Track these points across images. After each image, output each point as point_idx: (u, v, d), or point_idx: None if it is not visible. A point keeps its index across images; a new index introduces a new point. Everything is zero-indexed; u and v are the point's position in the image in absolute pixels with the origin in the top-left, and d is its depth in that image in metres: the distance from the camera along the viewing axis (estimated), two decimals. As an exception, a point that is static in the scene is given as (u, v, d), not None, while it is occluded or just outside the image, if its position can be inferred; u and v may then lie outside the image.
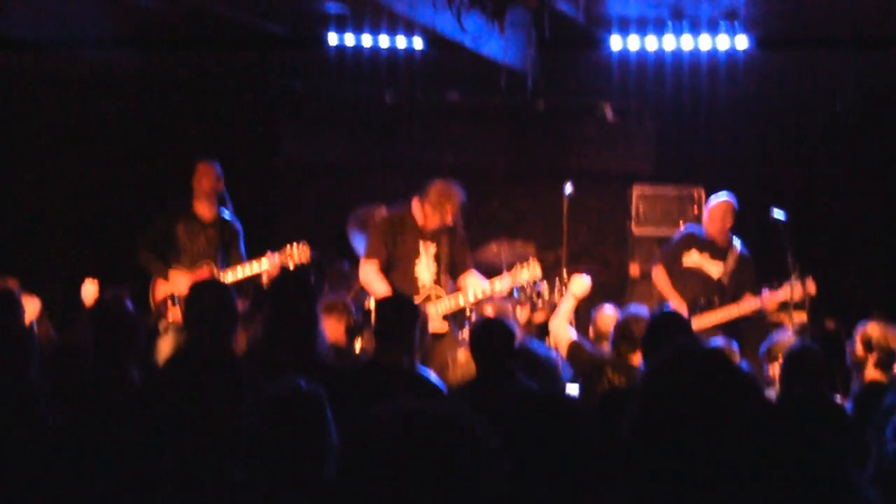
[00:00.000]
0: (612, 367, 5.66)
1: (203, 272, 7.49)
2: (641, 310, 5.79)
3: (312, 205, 10.55)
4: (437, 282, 7.28)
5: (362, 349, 6.84)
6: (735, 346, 6.77)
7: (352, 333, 6.45)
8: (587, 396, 5.42)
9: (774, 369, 6.05)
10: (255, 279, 7.55)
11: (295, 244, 7.50)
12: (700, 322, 7.76)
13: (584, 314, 7.74)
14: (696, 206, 9.44)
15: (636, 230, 9.64)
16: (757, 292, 7.95)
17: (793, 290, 7.66)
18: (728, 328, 7.78)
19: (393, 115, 10.41)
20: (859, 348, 5.65)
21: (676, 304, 7.94)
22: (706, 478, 2.06)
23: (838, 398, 5.36)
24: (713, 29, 8.26)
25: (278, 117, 10.62)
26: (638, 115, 10.15)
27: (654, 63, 8.72)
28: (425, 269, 7.27)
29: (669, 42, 8.42)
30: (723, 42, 8.26)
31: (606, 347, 6.14)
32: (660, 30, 8.43)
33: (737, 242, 8.22)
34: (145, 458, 3.28)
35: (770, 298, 7.86)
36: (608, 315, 7.14)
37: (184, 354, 5.04)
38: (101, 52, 9.13)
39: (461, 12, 6.27)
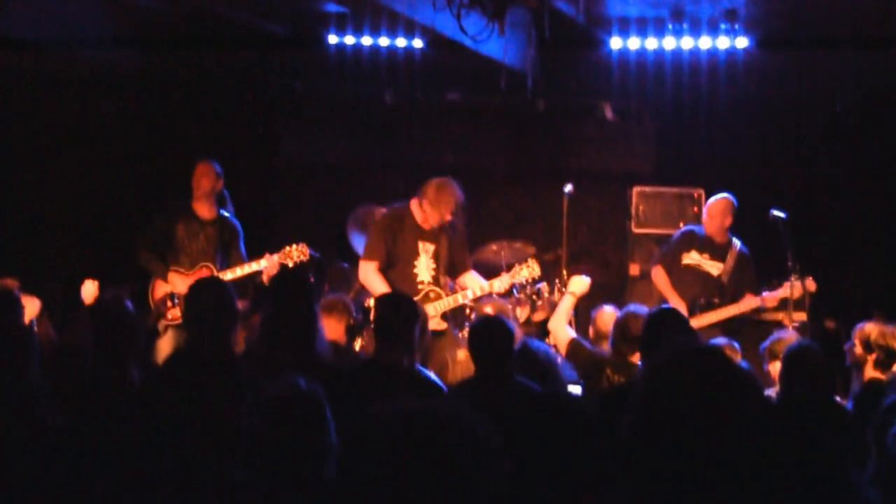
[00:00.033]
0: (612, 366, 5.66)
1: (202, 272, 7.49)
2: (641, 309, 5.79)
3: (312, 205, 10.55)
4: (436, 281, 7.27)
5: (362, 348, 6.84)
6: (737, 346, 6.77)
7: (352, 333, 6.44)
8: (588, 396, 5.43)
9: (774, 367, 6.05)
10: (254, 279, 7.55)
11: (294, 244, 7.50)
12: (700, 321, 7.76)
13: (584, 314, 7.74)
14: (696, 206, 9.44)
15: (636, 230, 9.64)
16: (757, 291, 7.95)
17: (793, 288, 7.67)
18: (727, 328, 7.79)
19: (393, 115, 10.41)
20: (858, 348, 5.65)
21: (676, 303, 7.94)
22: (706, 478, 2.06)
23: (838, 398, 5.36)
24: (713, 29, 8.26)
25: (278, 117, 10.63)
26: (638, 115, 10.16)
27: (654, 63, 8.73)
28: (424, 268, 7.27)
29: (669, 42, 8.42)
30: (723, 42, 8.26)
31: (606, 347, 6.13)
32: (660, 30, 8.43)
33: (736, 242, 8.22)
34: (145, 458, 3.28)
35: (770, 297, 7.86)
36: (608, 315, 7.13)
37: (183, 354, 5.04)
38: (101, 52, 9.13)
39: (461, 12, 6.26)
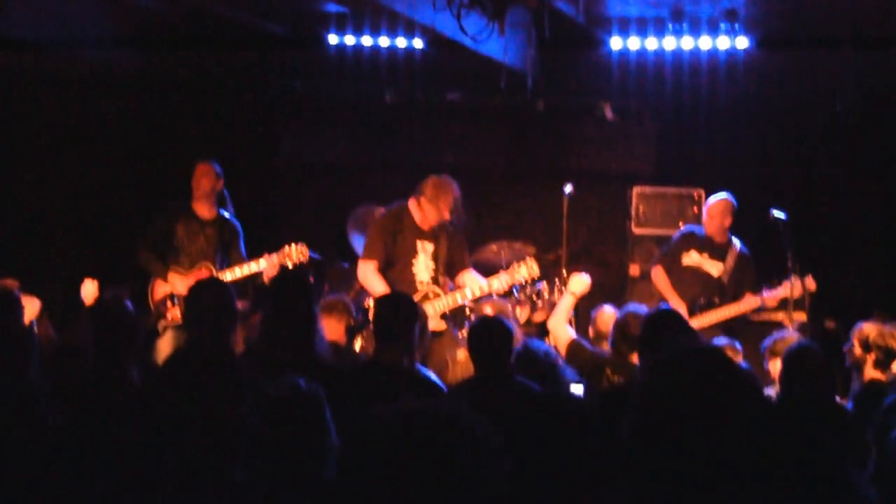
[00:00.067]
0: (612, 366, 5.66)
1: (202, 272, 7.49)
2: (641, 309, 5.78)
3: (312, 205, 10.55)
4: (436, 280, 7.27)
5: (362, 349, 6.84)
6: (738, 346, 6.77)
7: (352, 333, 6.45)
8: (588, 396, 5.42)
9: (775, 366, 6.06)
10: (254, 279, 7.55)
11: (294, 244, 7.49)
12: (700, 321, 7.76)
13: (583, 314, 7.74)
14: (696, 207, 9.44)
15: (636, 230, 9.65)
16: (757, 291, 7.95)
17: (793, 287, 7.67)
18: (727, 328, 7.79)
19: (393, 115, 10.41)
20: (857, 349, 5.65)
21: (676, 303, 7.94)
22: (706, 478, 2.06)
23: (838, 398, 5.36)
24: (713, 29, 8.26)
25: (278, 117, 10.63)
26: (638, 115, 10.16)
27: (654, 63, 8.73)
28: (423, 267, 7.27)
29: (669, 42, 8.42)
30: (723, 42, 8.26)
31: (606, 347, 6.13)
32: (660, 30, 8.43)
33: (736, 241, 8.22)
34: (145, 458, 3.28)
35: (770, 297, 7.86)
36: (608, 315, 7.13)
37: (183, 354, 5.04)
38: (101, 52, 9.13)
39: (461, 12, 6.26)
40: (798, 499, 3.12)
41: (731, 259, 8.16)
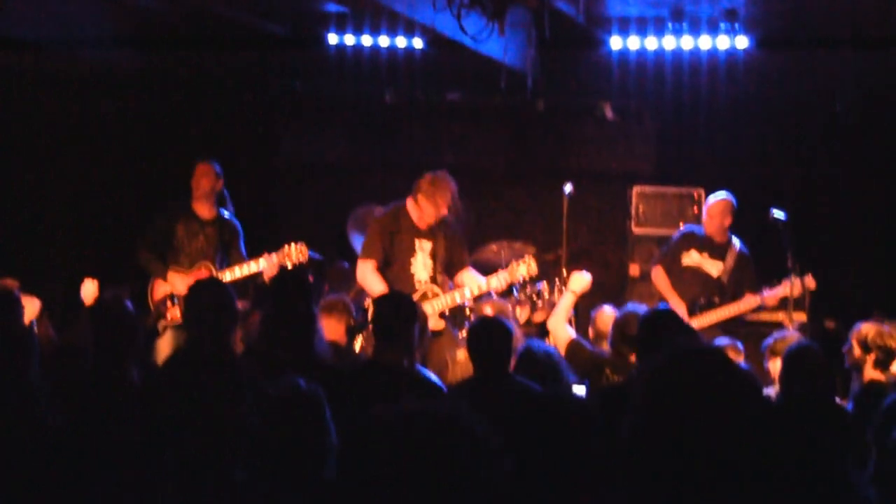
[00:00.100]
0: (612, 366, 5.65)
1: (202, 272, 7.49)
2: (640, 308, 5.78)
3: (312, 205, 10.55)
4: (434, 279, 7.28)
5: (362, 349, 6.84)
6: (740, 346, 6.77)
7: (352, 333, 6.44)
8: (590, 396, 5.42)
9: (774, 365, 6.06)
10: (254, 278, 7.55)
11: (293, 244, 7.50)
12: (700, 321, 7.77)
13: (583, 314, 7.74)
14: (696, 206, 9.44)
15: (636, 230, 9.64)
16: (757, 291, 7.95)
17: (792, 286, 7.67)
18: (727, 328, 7.79)
19: (393, 115, 10.41)
20: (857, 349, 5.65)
21: (676, 303, 7.94)
22: (706, 478, 2.06)
23: (838, 399, 5.36)
24: (713, 29, 8.26)
25: (278, 117, 10.63)
26: (638, 115, 10.16)
27: (654, 63, 8.73)
28: (421, 266, 7.27)
29: (669, 42, 8.42)
30: (723, 42, 8.26)
31: (606, 347, 6.13)
32: (660, 30, 8.43)
33: (736, 241, 8.22)
34: (145, 458, 3.28)
35: (770, 296, 7.86)
36: (608, 315, 7.12)
37: (183, 354, 5.04)
38: (101, 52, 9.13)
39: (461, 12, 6.26)
40: (798, 499, 3.12)
41: (730, 259, 8.16)
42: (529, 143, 10.41)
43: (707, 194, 8.71)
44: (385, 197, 7.63)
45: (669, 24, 8.34)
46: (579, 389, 5.46)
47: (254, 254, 7.64)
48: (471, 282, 7.26)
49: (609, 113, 10.16)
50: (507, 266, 7.38)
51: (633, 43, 8.53)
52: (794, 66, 9.23)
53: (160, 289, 7.59)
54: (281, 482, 3.24)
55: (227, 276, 7.41)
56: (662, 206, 9.63)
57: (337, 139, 10.61)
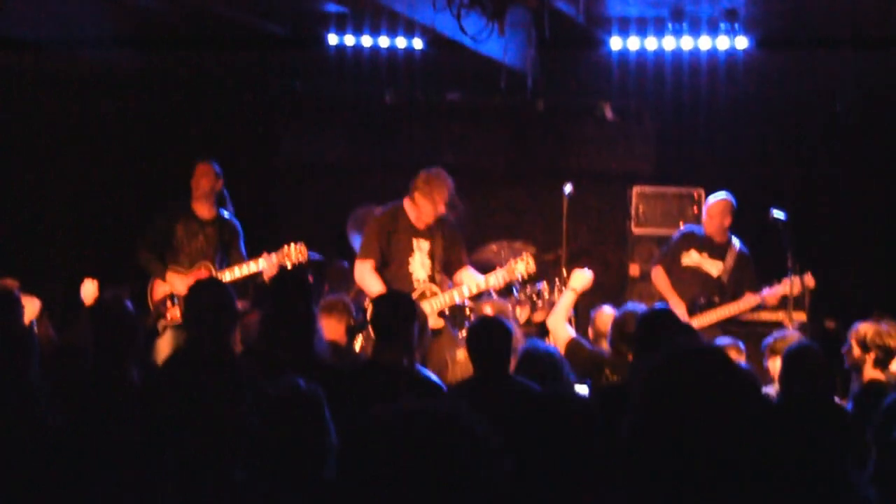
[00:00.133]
0: (611, 366, 5.65)
1: (201, 272, 7.49)
2: (639, 308, 5.77)
3: (312, 205, 10.55)
4: (433, 279, 7.28)
5: (362, 348, 6.84)
6: (742, 346, 6.76)
7: (352, 333, 6.44)
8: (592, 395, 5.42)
9: (774, 364, 6.06)
10: (254, 279, 7.55)
11: (293, 244, 7.50)
12: (700, 321, 7.77)
13: (583, 314, 7.74)
14: (696, 206, 9.44)
15: (636, 230, 9.64)
16: (757, 290, 7.96)
17: (792, 285, 7.67)
18: (727, 328, 7.79)
19: (393, 115, 10.41)
20: (856, 349, 5.65)
21: (676, 303, 7.95)
22: (706, 478, 2.06)
23: (837, 399, 5.35)
24: (713, 29, 8.26)
25: (278, 117, 10.63)
26: (638, 115, 10.16)
27: (654, 63, 8.73)
28: (419, 266, 7.27)
29: (669, 42, 8.42)
30: (723, 42, 8.26)
31: (605, 347, 6.13)
32: (660, 30, 8.43)
33: (736, 241, 8.22)
34: (145, 458, 3.28)
35: (770, 295, 7.87)
36: (607, 315, 7.12)
37: (183, 354, 5.04)
38: (101, 52, 9.14)
39: (461, 12, 6.26)
40: (798, 499, 3.12)
41: (730, 258, 8.16)
42: (529, 143, 10.41)
43: (707, 194, 8.71)
44: (385, 197, 7.64)
45: (669, 25, 8.34)
46: (581, 389, 5.45)
47: (254, 254, 7.64)
48: (469, 280, 7.26)
49: (609, 113, 10.16)
50: (503, 263, 7.39)
51: (633, 43, 8.53)
52: (794, 66, 9.23)
53: (160, 289, 7.60)
54: (281, 482, 3.24)
55: (227, 275, 7.41)
56: (662, 206, 9.63)
57: (337, 139, 10.61)
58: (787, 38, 8.67)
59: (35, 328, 6.25)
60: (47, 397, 3.94)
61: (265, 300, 5.36)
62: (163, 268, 7.59)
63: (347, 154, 10.58)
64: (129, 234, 7.93)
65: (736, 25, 8.15)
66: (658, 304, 6.24)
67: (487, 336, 4.93)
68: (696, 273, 8.17)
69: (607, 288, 8.86)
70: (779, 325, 7.74)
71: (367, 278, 7.12)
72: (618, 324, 5.67)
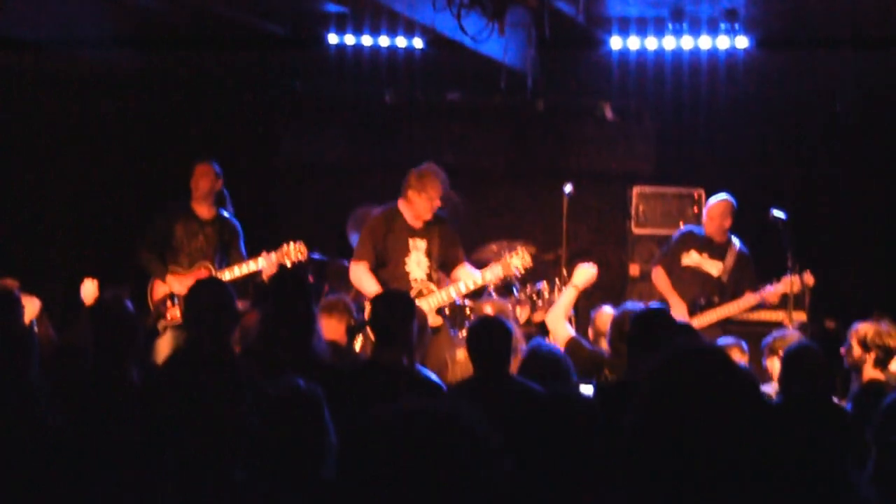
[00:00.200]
0: (611, 366, 5.65)
1: (201, 272, 7.50)
2: (638, 307, 5.77)
3: (312, 205, 10.55)
4: (430, 277, 7.29)
5: (362, 348, 6.84)
6: (745, 347, 6.75)
7: (352, 333, 6.44)
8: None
9: (773, 364, 6.06)
10: (253, 278, 7.55)
11: (292, 243, 7.50)
12: (701, 321, 7.77)
13: (583, 314, 7.75)
14: (696, 206, 9.45)
15: (636, 230, 9.65)
16: (756, 290, 7.96)
17: (792, 283, 7.68)
18: (728, 328, 7.79)
19: (393, 115, 10.41)
20: (857, 349, 5.64)
21: (676, 303, 7.95)
22: (706, 478, 2.06)
23: (836, 399, 5.35)
24: (713, 29, 8.26)
25: (278, 117, 10.63)
26: (638, 115, 10.16)
27: (654, 63, 8.73)
28: (416, 265, 7.28)
29: (669, 42, 8.42)
30: (723, 42, 8.26)
31: (605, 346, 6.12)
32: (660, 30, 8.43)
33: (735, 241, 8.23)
34: (145, 458, 3.28)
35: (770, 293, 7.87)
36: (607, 315, 7.11)
37: (183, 354, 5.04)
38: (101, 52, 9.13)
39: (461, 12, 6.26)
40: (798, 499, 3.12)
41: (730, 258, 8.16)
42: (529, 143, 10.41)
43: (707, 194, 8.71)
44: (385, 197, 7.64)
45: (669, 25, 8.34)
46: (586, 389, 5.44)
47: (254, 254, 7.64)
48: (465, 277, 7.28)
49: (609, 113, 10.16)
50: (499, 258, 7.40)
51: (633, 43, 8.53)
52: (794, 66, 9.23)
53: (160, 289, 7.60)
54: (280, 482, 3.24)
55: (227, 275, 7.41)
56: (662, 206, 9.63)
57: (337, 139, 10.61)
58: (787, 38, 8.67)
59: (35, 328, 6.25)
60: (47, 397, 3.94)
61: (264, 300, 5.35)
62: (163, 268, 7.59)
63: (347, 154, 10.58)
64: (129, 234, 7.93)
65: (736, 25, 8.15)
66: (653, 304, 6.23)
67: (487, 336, 4.92)
68: (697, 273, 8.17)
69: (607, 288, 8.85)
70: (779, 324, 7.74)
71: (363, 279, 7.14)
72: (616, 323, 5.66)
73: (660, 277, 8.24)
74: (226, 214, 7.85)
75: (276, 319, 5.05)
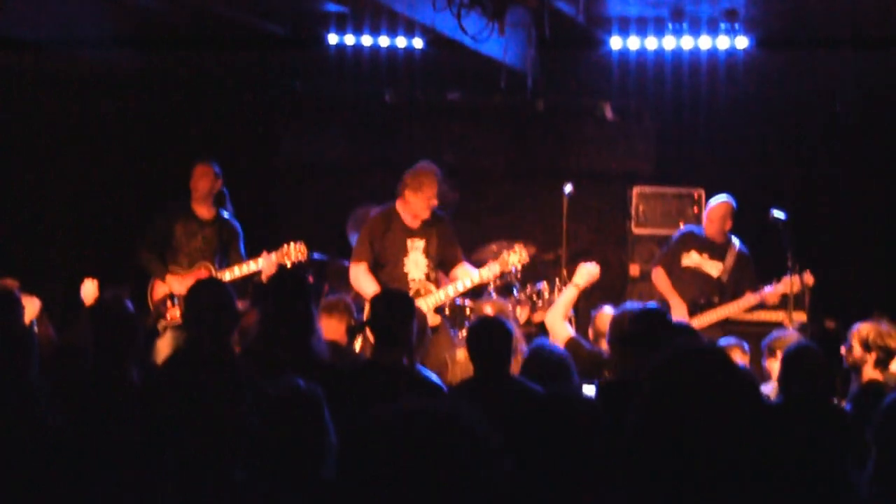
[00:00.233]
0: (610, 366, 5.65)
1: (201, 272, 7.50)
2: (637, 307, 5.76)
3: (312, 205, 10.55)
4: (429, 277, 7.31)
5: (362, 348, 6.84)
6: (746, 347, 6.75)
7: (352, 333, 6.44)
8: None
9: (772, 364, 6.05)
10: (253, 278, 7.56)
11: (293, 243, 7.51)
12: (700, 321, 7.77)
13: (583, 315, 7.74)
14: (696, 206, 9.45)
15: (636, 230, 9.65)
16: (756, 290, 7.96)
17: (792, 283, 7.68)
18: (727, 329, 7.79)
19: (393, 115, 10.41)
20: (858, 349, 5.64)
21: (676, 304, 7.95)
22: (706, 478, 2.06)
23: (835, 400, 5.35)
24: (713, 29, 8.26)
25: (278, 117, 10.63)
26: (638, 115, 10.16)
27: (654, 63, 8.73)
28: (414, 265, 7.30)
29: (669, 42, 8.42)
30: (723, 42, 8.26)
31: (605, 346, 6.12)
32: (660, 30, 8.43)
33: (735, 241, 8.23)
34: (145, 458, 3.28)
35: (770, 293, 7.87)
36: (607, 315, 7.10)
37: (183, 354, 5.04)
38: (101, 52, 9.13)
39: (461, 12, 6.26)
40: (798, 499, 3.12)
41: (730, 258, 8.17)
42: (529, 143, 10.41)
43: (707, 194, 8.71)
44: (385, 197, 7.65)
45: (669, 25, 8.34)
46: (589, 389, 5.43)
47: (254, 254, 7.65)
48: (464, 276, 7.30)
49: (609, 113, 10.16)
50: (496, 256, 7.41)
51: (633, 43, 8.53)
52: (794, 66, 9.23)
53: (160, 289, 7.60)
54: (280, 482, 3.24)
55: (227, 275, 7.41)
56: (662, 206, 9.63)
57: (337, 139, 10.61)
58: (787, 38, 8.67)
59: (35, 328, 6.25)
60: (47, 397, 3.94)
61: (264, 299, 5.35)
62: (163, 268, 7.60)
63: (347, 154, 10.58)
64: (129, 234, 7.93)
65: (736, 25, 8.15)
66: (650, 304, 6.23)
67: (487, 336, 4.92)
68: (696, 273, 8.17)
69: (607, 288, 8.85)
70: (779, 324, 7.74)
71: (362, 280, 7.16)
72: (616, 324, 5.65)
73: (660, 278, 8.24)
74: (225, 215, 7.85)
75: (275, 319, 5.05)
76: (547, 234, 9.55)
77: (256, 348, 5.10)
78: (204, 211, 7.69)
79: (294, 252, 7.46)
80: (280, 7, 8.25)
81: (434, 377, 5.06)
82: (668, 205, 9.61)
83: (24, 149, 10.05)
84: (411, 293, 7.04)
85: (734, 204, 8.18)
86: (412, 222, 7.29)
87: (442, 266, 7.42)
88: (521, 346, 5.94)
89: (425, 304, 7.10)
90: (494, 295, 7.86)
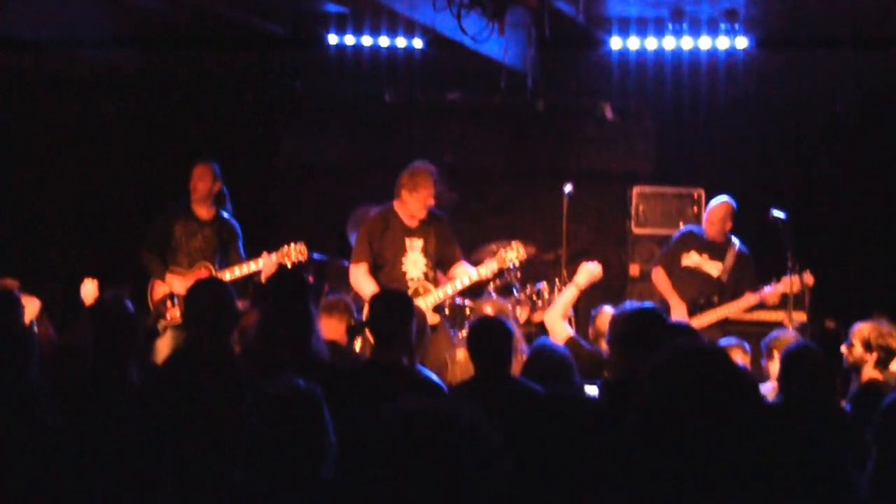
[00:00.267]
0: (610, 365, 5.64)
1: (201, 272, 7.50)
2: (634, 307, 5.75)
3: (312, 205, 10.55)
4: (427, 276, 7.32)
5: (362, 349, 6.84)
6: (747, 347, 6.75)
7: (352, 333, 6.44)
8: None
9: (771, 363, 6.05)
10: (253, 278, 7.56)
11: (293, 243, 7.51)
12: (700, 321, 7.77)
13: (583, 315, 7.74)
14: (696, 206, 9.45)
15: (636, 230, 9.65)
16: (756, 290, 7.96)
17: (791, 283, 7.68)
18: (727, 329, 7.79)
19: (393, 115, 10.42)
20: (859, 349, 5.64)
21: (676, 304, 7.96)
22: (706, 477, 2.06)
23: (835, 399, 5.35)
24: (713, 29, 8.26)
25: (278, 117, 10.63)
26: (638, 115, 10.16)
27: (654, 63, 8.73)
28: (413, 265, 7.31)
29: (669, 42, 8.42)
30: (723, 42, 8.26)
31: (605, 347, 6.12)
32: (660, 30, 8.43)
33: (735, 241, 8.23)
34: (145, 458, 3.28)
35: (770, 293, 7.87)
36: (607, 315, 7.09)
37: (183, 354, 5.04)
38: (101, 52, 9.13)
39: (461, 12, 6.26)
40: (798, 499, 3.12)
41: (730, 258, 8.17)
42: (529, 143, 10.41)
43: (707, 194, 8.71)
44: (385, 197, 7.65)
45: (669, 25, 8.34)
46: (591, 389, 5.43)
47: (254, 254, 7.65)
48: (461, 274, 7.31)
49: (609, 113, 10.16)
50: (493, 253, 7.42)
51: (633, 43, 8.53)
52: (794, 66, 9.23)
53: (160, 289, 7.60)
54: (280, 482, 3.24)
55: (227, 275, 7.41)
56: (662, 206, 9.63)
57: (337, 139, 10.61)
58: (787, 38, 8.67)
59: (35, 328, 6.25)
60: (47, 397, 3.94)
61: (264, 300, 5.35)
62: (163, 268, 7.60)
63: (347, 154, 10.58)
64: (129, 234, 7.94)
65: (736, 25, 8.15)
66: (647, 303, 6.22)
67: (487, 336, 4.92)
68: (696, 273, 8.17)
69: (607, 288, 8.84)
70: (779, 324, 7.74)
71: (362, 281, 7.18)
72: (615, 324, 5.64)
73: (660, 277, 8.24)
74: (225, 215, 7.85)
75: (275, 319, 5.04)
76: (547, 234, 9.55)
77: (256, 348, 5.09)
78: (204, 211, 7.69)
79: (294, 252, 7.46)
80: (280, 7, 8.25)
81: (434, 377, 5.06)
82: (668, 205, 9.61)
83: (24, 149, 10.05)
84: (410, 292, 7.05)
85: (734, 204, 8.19)
86: (410, 222, 7.31)
87: (440, 265, 7.44)
88: (522, 346, 5.94)
89: (424, 303, 7.10)
90: (494, 295, 7.86)
